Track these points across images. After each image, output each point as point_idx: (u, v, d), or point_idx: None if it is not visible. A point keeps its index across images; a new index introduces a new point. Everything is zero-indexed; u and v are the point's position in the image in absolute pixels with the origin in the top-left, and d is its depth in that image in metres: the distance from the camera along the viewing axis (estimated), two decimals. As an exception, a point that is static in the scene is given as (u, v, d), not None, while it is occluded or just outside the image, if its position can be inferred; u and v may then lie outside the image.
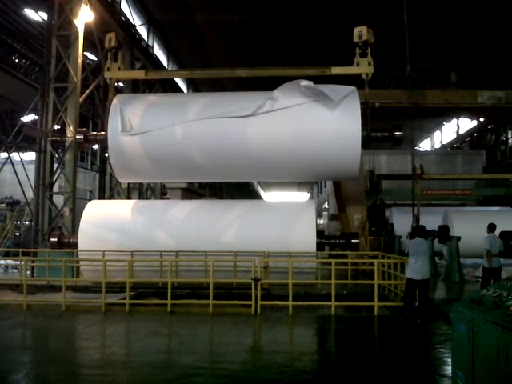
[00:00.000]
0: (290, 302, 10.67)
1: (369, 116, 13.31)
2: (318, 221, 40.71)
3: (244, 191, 49.98)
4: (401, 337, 9.12)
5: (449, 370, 5.79)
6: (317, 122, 12.95)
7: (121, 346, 8.64)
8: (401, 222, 24.04)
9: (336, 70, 13.85)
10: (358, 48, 13.56)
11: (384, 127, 14.16)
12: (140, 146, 13.50)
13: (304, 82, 12.85)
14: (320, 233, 14.63)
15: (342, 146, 12.83)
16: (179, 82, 33.56)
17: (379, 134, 13.70)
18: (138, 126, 13.42)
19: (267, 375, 6.60)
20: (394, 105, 22.12)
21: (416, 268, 10.03)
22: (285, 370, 6.76)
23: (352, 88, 13.13)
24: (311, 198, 52.76)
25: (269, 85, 13.75)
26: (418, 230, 10.82)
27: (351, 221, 19.98)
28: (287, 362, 7.25)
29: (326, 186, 37.62)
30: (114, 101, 14.07)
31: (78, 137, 15.12)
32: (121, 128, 13.27)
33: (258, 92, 14.00)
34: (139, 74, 16.89)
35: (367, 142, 13.29)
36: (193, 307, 11.05)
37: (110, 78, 14.55)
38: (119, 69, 14.63)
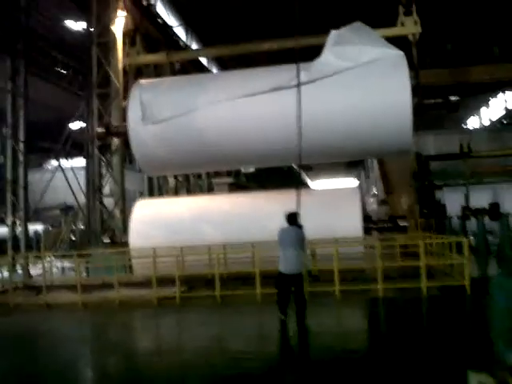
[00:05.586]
0: (337, 287, 10.71)
1: (419, 81, 12.35)
2: (366, 206, 40.27)
3: (291, 181, 49.76)
4: (449, 316, 9.03)
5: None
6: (363, 90, 11.99)
7: (172, 336, 8.95)
8: (453, 202, 23.58)
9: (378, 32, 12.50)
10: (400, 6, 12.28)
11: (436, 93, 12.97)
12: (164, 135, 12.63)
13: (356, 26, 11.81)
14: (367, 218, 14.59)
15: (392, 116, 11.72)
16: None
17: (432, 101, 12.52)
18: (161, 112, 12.47)
19: (314, 356, 6.73)
20: (436, 84, 21.62)
21: (283, 260, 8.62)
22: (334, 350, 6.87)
23: (399, 52, 12.05)
24: (358, 183, 52.21)
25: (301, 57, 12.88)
26: (288, 217, 8.94)
27: (399, 204, 19.79)
28: (335, 343, 7.35)
29: (373, 172, 37.20)
30: (134, 88, 13.30)
31: (99, 130, 14.60)
32: (142, 117, 12.44)
33: (288, 65, 12.50)
34: (160, 57, 15.98)
35: (419, 110, 12.13)
36: (241, 297, 11.20)
37: (129, 64, 13.86)
38: (138, 54, 13.81)
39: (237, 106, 12.22)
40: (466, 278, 10.40)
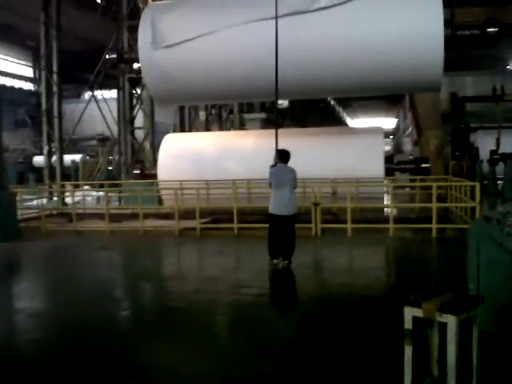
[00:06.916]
0: (349, 225, 11.12)
1: (453, 10, 11.22)
2: (405, 147, 39.95)
3: (329, 119, 48.70)
4: (444, 257, 9.40)
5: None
6: (390, 15, 11.10)
7: (185, 263, 9.85)
8: (486, 145, 23.31)
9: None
10: None
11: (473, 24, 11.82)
12: (175, 60, 11.82)
13: None
14: (388, 158, 14.76)
15: (422, 46, 10.77)
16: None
17: (467, 33, 11.54)
18: (172, 35, 11.62)
19: (311, 291, 7.27)
20: (474, 23, 20.82)
21: (278, 200, 8.17)
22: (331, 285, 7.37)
23: None
24: (398, 123, 51.45)
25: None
26: (281, 155, 8.34)
27: (428, 145, 19.68)
28: (332, 277, 7.92)
29: (409, 111, 36.63)
30: (146, 10, 12.57)
31: (111, 56, 14.48)
32: (152, 40, 11.66)
33: None
34: None
35: (452, 43, 11.16)
36: (258, 231, 11.65)
37: None
38: None
39: (255, 29, 11.13)
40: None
